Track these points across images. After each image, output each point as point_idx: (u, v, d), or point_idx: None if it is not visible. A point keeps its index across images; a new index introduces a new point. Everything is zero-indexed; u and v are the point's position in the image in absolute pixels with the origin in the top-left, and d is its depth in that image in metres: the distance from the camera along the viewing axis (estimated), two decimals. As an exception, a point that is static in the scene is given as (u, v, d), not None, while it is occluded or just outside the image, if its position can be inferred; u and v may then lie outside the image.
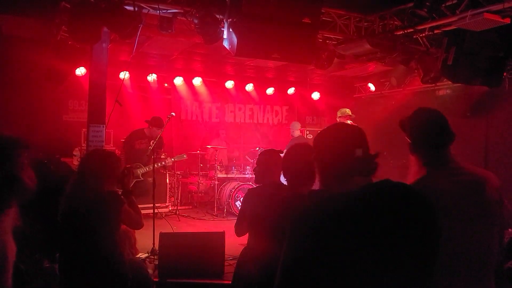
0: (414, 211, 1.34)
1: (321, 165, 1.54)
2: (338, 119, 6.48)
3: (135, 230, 4.05)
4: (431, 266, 1.33)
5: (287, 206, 2.31)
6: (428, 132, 2.00)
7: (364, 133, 1.54)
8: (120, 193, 3.03)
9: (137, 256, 4.68)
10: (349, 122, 6.34)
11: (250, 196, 3.24)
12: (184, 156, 7.04)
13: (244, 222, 3.11)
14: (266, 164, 3.20)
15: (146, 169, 6.67)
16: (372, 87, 9.49)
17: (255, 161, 8.23)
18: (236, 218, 3.33)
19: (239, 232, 3.21)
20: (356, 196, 1.35)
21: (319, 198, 1.49)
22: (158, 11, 4.88)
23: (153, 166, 5.59)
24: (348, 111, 6.46)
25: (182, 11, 4.97)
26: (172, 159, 7.02)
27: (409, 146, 2.06)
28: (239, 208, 7.34)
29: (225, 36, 5.05)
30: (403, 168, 8.53)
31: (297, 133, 7.95)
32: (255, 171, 3.26)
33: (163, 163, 6.80)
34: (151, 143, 6.03)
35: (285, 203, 2.36)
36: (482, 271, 1.87)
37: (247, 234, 3.15)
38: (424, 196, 1.39)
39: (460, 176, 1.93)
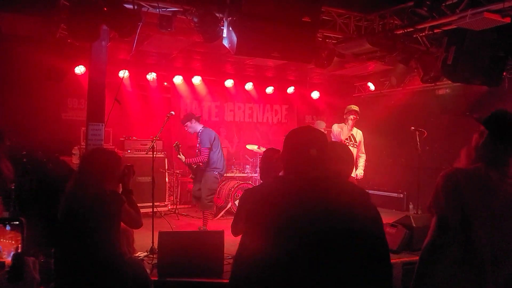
0: (341, 209, 1.54)
1: (283, 161, 1.80)
2: (345, 117, 6.52)
3: (134, 230, 4.05)
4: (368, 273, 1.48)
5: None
6: (503, 130, 2.06)
7: (322, 137, 1.80)
8: (120, 191, 3.03)
9: (136, 255, 4.68)
10: (351, 117, 6.35)
11: (246, 196, 3.25)
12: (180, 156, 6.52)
13: (240, 223, 3.11)
14: (267, 162, 3.26)
15: None
16: (371, 86, 9.48)
17: (254, 160, 8.28)
18: None
19: (235, 232, 3.21)
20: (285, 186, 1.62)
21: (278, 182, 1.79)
22: (157, 10, 4.87)
23: (153, 164, 5.58)
24: (353, 107, 6.48)
25: (182, 9, 4.96)
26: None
27: (481, 136, 2.11)
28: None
29: (224, 34, 5.04)
30: (403, 167, 8.53)
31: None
32: (259, 167, 3.35)
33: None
34: (153, 139, 6.00)
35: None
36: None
37: None
38: (362, 195, 1.67)
39: (507, 179, 1.98)
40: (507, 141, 2.03)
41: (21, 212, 4.59)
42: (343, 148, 2.55)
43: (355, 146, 6.45)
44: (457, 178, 1.98)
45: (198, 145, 6.49)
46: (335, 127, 6.52)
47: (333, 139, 6.52)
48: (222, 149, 6.58)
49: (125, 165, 3.13)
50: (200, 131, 6.45)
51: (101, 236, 2.76)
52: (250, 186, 7.69)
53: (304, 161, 1.70)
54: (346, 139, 6.42)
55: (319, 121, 8.24)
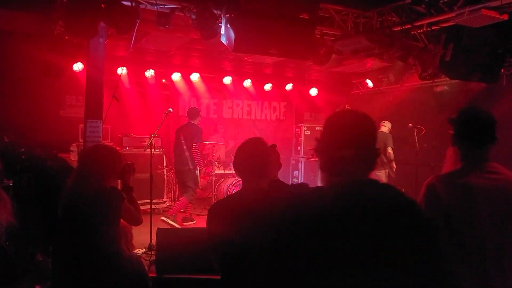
0: (395, 219, 1.31)
1: (320, 159, 1.49)
2: None
3: (132, 226, 4.06)
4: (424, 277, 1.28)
5: (248, 201, 2.26)
6: (471, 128, 2.08)
7: (367, 131, 1.44)
8: (120, 188, 3.04)
9: (134, 252, 4.69)
10: None
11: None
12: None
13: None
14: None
15: None
16: (370, 83, 9.49)
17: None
18: None
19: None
20: (332, 196, 1.34)
21: (301, 192, 1.55)
22: (155, 6, 4.86)
23: (151, 161, 5.58)
24: (347, 107, 6.41)
25: (180, 6, 4.95)
26: None
27: (451, 138, 2.14)
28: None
29: (222, 31, 5.04)
30: (401, 163, 8.55)
31: (383, 128, 7.69)
32: None
33: None
34: (151, 136, 6.02)
35: (245, 199, 2.29)
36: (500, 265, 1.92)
37: None
38: (413, 206, 1.37)
39: (492, 174, 2.01)
40: (470, 138, 2.05)
41: (19, 209, 4.58)
42: None
43: None
44: (435, 188, 2.01)
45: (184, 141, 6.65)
46: None
47: None
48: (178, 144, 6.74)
49: (126, 163, 3.14)
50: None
51: (101, 233, 2.77)
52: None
53: (336, 163, 1.42)
54: None
55: (385, 121, 7.80)
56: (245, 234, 2.08)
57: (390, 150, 7.44)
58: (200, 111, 9.62)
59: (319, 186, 1.46)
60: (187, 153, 6.44)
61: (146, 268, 3.92)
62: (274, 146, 3.39)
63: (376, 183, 1.38)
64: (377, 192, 1.36)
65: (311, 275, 1.26)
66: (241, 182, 7.90)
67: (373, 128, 1.46)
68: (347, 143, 1.38)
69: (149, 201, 5.52)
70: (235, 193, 2.41)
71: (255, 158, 2.28)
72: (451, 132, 2.15)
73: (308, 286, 1.26)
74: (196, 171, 6.60)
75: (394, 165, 7.64)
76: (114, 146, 6.35)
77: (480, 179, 1.98)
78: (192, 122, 6.76)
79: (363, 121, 1.45)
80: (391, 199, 1.35)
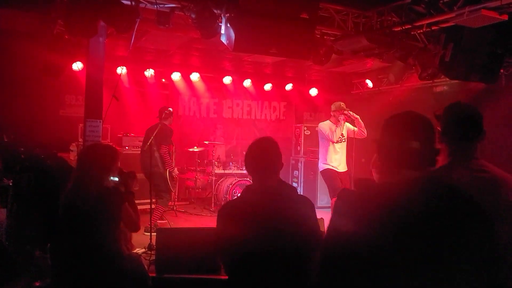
0: (462, 217, 1.31)
1: (379, 152, 1.55)
2: (332, 114, 6.37)
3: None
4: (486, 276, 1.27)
5: (262, 201, 2.29)
6: (458, 124, 2.05)
7: (429, 126, 1.51)
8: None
9: (134, 251, 4.68)
10: (342, 117, 6.20)
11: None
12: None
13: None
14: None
15: None
16: (369, 83, 9.48)
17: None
18: None
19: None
20: (400, 191, 1.35)
21: (365, 187, 1.51)
22: (155, 6, 4.86)
23: (150, 160, 5.58)
24: (342, 105, 6.33)
25: (180, 5, 4.95)
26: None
27: (438, 135, 2.09)
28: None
29: (222, 31, 5.03)
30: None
31: None
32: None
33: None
34: (151, 138, 5.99)
35: (260, 199, 2.32)
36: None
37: None
38: (477, 202, 1.37)
39: (479, 172, 1.97)
40: (458, 134, 2.03)
41: (18, 209, 4.59)
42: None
43: (344, 140, 6.38)
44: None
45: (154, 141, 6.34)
46: (325, 128, 6.26)
47: (320, 139, 6.43)
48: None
49: (130, 171, 3.16)
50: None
51: (101, 232, 2.77)
52: (248, 183, 7.70)
53: (401, 155, 1.47)
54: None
55: None
56: (257, 235, 2.12)
57: None
58: (200, 110, 9.72)
59: (388, 182, 1.46)
60: (157, 154, 6.15)
61: (146, 267, 3.92)
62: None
63: (441, 179, 1.43)
64: (451, 190, 1.40)
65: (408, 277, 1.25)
66: (241, 182, 7.93)
67: (433, 127, 1.56)
68: (414, 136, 1.45)
69: (148, 200, 5.51)
70: (244, 192, 2.44)
71: (268, 157, 2.34)
72: (439, 128, 2.13)
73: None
74: (166, 173, 6.28)
75: None
76: (111, 144, 6.36)
77: (465, 178, 1.94)
78: (164, 122, 6.39)
79: (427, 120, 1.55)
80: (462, 197, 1.40)
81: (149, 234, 5.17)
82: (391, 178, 1.46)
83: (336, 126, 6.21)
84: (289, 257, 2.16)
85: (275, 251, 2.12)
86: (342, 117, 6.21)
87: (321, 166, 6.35)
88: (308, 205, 2.37)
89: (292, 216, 2.23)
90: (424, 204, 1.31)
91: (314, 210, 2.39)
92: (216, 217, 2.35)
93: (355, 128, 6.36)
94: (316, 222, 2.35)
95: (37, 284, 2.29)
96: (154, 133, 6.03)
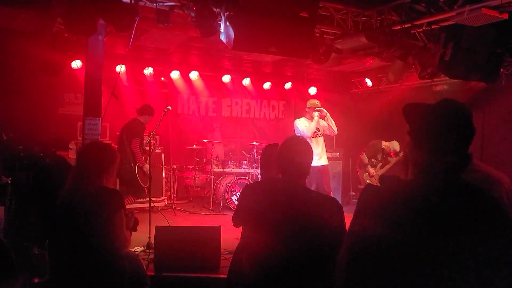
0: (486, 220, 1.32)
1: (410, 147, 1.49)
2: (307, 110, 6.49)
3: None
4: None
5: (291, 199, 2.37)
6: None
7: (464, 128, 1.47)
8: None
9: (132, 250, 4.68)
10: (317, 114, 6.33)
11: (246, 192, 3.33)
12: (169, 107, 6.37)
13: (240, 218, 3.22)
14: (265, 158, 3.29)
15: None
16: (369, 82, 9.48)
17: (251, 156, 8.28)
18: (232, 212, 3.41)
19: (235, 223, 3.33)
20: (429, 190, 1.36)
21: (392, 183, 1.51)
22: (154, 4, 4.84)
23: (149, 159, 5.58)
24: (317, 102, 6.47)
25: (179, 4, 4.94)
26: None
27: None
28: (236, 203, 7.40)
29: (222, 29, 5.02)
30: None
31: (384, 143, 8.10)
32: (260, 164, 3.46)
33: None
34: (150, 134, 5.98)
35: (289, 196, 2.39)
36: None
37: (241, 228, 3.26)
38: (499, 204, 1.38)
39: (472, 172, 1.96)
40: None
41: (17, 207, 4.58)
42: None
43: (321, 135, 6.50)
44: None
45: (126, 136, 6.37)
46: (301, 124, 6.43)
47: (298, 135, 6.47)
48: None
49: (135, 217, 3.15)
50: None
51: (97, 232, 2.75)
52: (247, 182, 7.70)
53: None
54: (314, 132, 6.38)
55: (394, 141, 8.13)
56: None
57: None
58: (199, 109, 9.71)
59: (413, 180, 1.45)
60: (128, 149, 6.10)
61: (144, 266, 3.92)
62: (276, 145, 3.42)
63: (466, 182, 1.42)
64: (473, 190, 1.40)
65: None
66: (239, 180, 7.88)
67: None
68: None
69: (147, 199, 5.51)
70: (269, 181, 2.70)
71: (303, 157, 2.45)
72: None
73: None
74: (136, 169, 6.20)
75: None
76: (110, 143, 6.36)
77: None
78: (138, 118, 6.37)
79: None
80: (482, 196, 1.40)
81: (147, 233, 5.15)
82: (418, 176, 1.45)
83: (311, 122, 6.37)
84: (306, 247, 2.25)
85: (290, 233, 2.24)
86: (316, 113, 6.34)
87: None
88: (335, 205, 2.40)
89: (314, 212, 2.30)
90: (445, 201, 1.33)
91: (342, 212, 2.40)
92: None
93: (325, 124, 6.49)
94: (341, 224, 2.35)
95: (36, 280, 2.29)
96: (128, 128, 6.01)
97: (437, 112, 1.45)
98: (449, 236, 1.26)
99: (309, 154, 2.51)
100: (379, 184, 1.54)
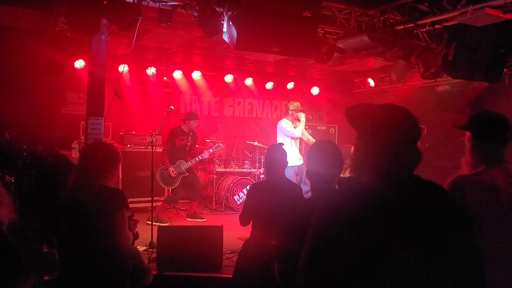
0: (442, 216, 1.36)
1: (364, 151, 1.53)
2: (290, 112, 6.49)
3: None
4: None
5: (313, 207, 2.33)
6: (493, 128, 2.08)
7: (412, 129, 1.54)
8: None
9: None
10: (303, 114, 6.37)
11: (254, 190, 3.39)
12: (221, 145, 7.07)
13: (247, 215, 3.29)
14: (270, 158, 3.33)
15: (189, 164, 6.73)
16: (371, 82, 9.47)
17: (253, 156, 8.28)
18: (234, 212, 3.44)
19: (243, 223, 3.45)
20: (385, 190, 1.40)
21: (348, 185, 1.57)
22: (157, 4, 4.85)
23: (152, 159, 5.58)
24: (299, 105, 6.52)
25: (182, 3, 4.94)
26: (210, 150, 6.95)
27: (469, 140, 2.14)
28: (241, 202, 7.40)
29: (224, 29, 5.02)
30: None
31: None
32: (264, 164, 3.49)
33: (199, 157, 6.85)
34: (152, 133, 6.05)
35: (311, 203, 2.34)
36: None
37: (249, 228, 3.31)
38: (453, 198, 1.44)
39: None
40: (493, 139, 2.05)
41: (21, 205, 4.60)
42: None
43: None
44: (461, 184, 2.01)
45: (191, 142, 6.83)
46: (286, 125, 6.40)
47: (283, 136, 6.46)
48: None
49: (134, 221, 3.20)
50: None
51: (100, 230, 2.77)
52: (249, 181, 7.70)
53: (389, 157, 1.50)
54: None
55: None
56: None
57: None
58: (202, 109, 9.71)
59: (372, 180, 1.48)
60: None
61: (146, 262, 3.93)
62: (281, 144, 3.46)
63: (420, 178, 1.47)
64: (428, 188, 1.45)
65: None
66: (242, 180, 7.90)
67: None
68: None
69: (150, 198, 5.51)
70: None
71: (338, 163, 2.46)
72: (467, 139, 2.14)
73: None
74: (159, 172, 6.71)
75: None
76: (113, 144, 6.39)
77: (505, 184, 1.97)
78: (181, 125, 6.90)
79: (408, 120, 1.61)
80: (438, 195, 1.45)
81: (150, 232, 5.17)
82: (370, 177, 1.50)
83: (298, 122, 6.44)
84: None
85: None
86: (303, 114, 6.42)
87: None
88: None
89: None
90: (403, 199, 1.37)
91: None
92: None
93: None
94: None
95: (46, 278, 2.32)
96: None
97: (383, 118, 1.51)
98: (407, 232, 1.30)
99: (342, 159, 2.52)
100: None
